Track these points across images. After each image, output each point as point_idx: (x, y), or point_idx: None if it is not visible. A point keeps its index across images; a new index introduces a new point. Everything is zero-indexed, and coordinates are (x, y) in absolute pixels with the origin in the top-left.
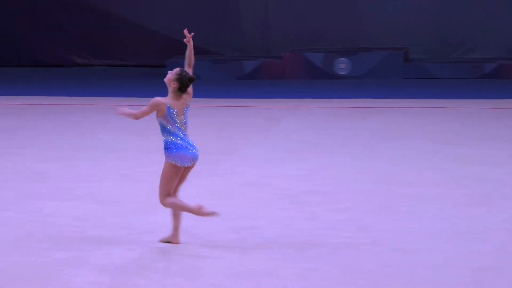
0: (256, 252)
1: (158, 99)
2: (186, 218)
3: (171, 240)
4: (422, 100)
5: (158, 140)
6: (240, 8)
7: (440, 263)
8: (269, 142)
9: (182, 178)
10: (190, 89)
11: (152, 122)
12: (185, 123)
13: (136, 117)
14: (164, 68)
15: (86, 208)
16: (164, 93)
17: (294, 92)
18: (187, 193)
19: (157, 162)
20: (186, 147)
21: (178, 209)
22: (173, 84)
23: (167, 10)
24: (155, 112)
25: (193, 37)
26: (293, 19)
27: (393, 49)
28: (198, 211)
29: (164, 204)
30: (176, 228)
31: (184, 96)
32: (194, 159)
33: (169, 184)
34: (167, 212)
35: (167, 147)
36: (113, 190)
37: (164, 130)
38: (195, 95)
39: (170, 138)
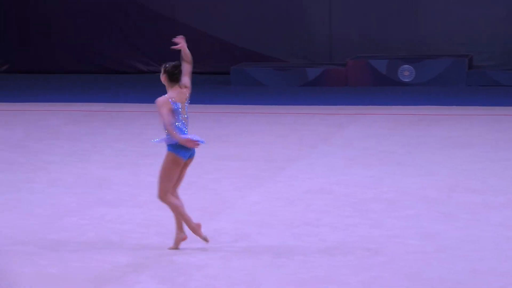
0: (319, 259)
1: (161, 99)
2: (251, 225)
3: (178, 242)
4: (486, 108)
5: (221, 148)
6: (304, 15)
7: (505, 272)
8: (333, 149)
9: (181, 175)
10: (188, 82)
11: (212, 130)
12: (187, 118)
13: (173, 132)
14: (228, 75)
15: (150, 215)
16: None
17: (358, 99)
18: (250, 199)
19: (220, 169)
20: None
21: (176, 213)
22: (163, 78)
23: (231, 18)
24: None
25: (257, 44)
26: (357, 26)
27: (458, 56)
28: (194, 228)
29: (164, 200)
30: (180, 227)
31: (184, 90)
32: (192, 154)
33: (170, 177)
34: (230, 220)
35: (172, 142)
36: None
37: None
38: (260, 101)
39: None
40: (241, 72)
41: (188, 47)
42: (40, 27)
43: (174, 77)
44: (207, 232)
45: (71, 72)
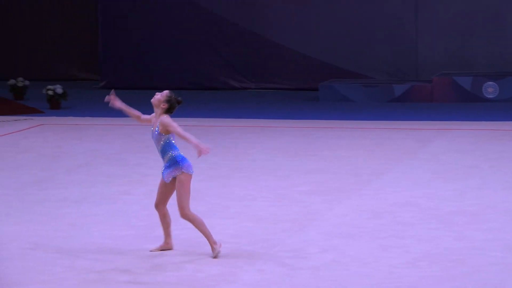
0: (404, 270)
1: (165, 117)
2: (338, 236)
3: (164, 247)
4: None
5: (309, 161)
6: (390, 34)
7: None
8: (418, 163)
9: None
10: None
11: (301, 144)
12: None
13: (189, 137)
14: (316, 92)
15: (241, 226)
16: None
17: (443, 115)
18: (338, 211)
19: (309, 182)
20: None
21: (199, 228)
22: (163, 105)
23: (319, 37)
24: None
25: (345, 62)
26: (442, 43)
27: None
28: (213, 244)
29: (187, 216)
30: (168, 235)
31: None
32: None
33: (189, 194)
34: (319, 231)
35: (181, 160)
36: (267, 208)
37: (171, 145)
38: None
39: (178, 151)
40: (329, 88)
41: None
42: (139, 47)
43: (173, 110)
44: (297, 243)
45: (167, 89)
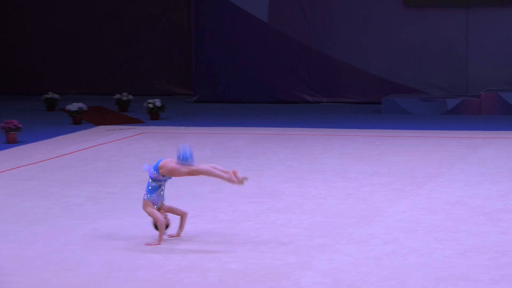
0: (456, 260)
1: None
2: (398, 230)
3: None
4: None
5: (373, 165)
6: (444, 54)
7: None
8: (468, 167)
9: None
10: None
11: (366, 150)
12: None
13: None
14: (379, 105)
15: (314, 221)
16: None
17: (490, 126)
18: (398, 209)
19: (373, 183)
20: None
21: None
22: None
23: (381, 56)
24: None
25: (405, 79)
26: (489, 63)
27: None
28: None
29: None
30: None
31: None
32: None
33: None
34: (381, 226)
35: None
36: (337, 206)
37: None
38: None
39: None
40: (390, 102)
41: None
42: (226, 65)
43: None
44: (362, 236)
45: (250, 102)
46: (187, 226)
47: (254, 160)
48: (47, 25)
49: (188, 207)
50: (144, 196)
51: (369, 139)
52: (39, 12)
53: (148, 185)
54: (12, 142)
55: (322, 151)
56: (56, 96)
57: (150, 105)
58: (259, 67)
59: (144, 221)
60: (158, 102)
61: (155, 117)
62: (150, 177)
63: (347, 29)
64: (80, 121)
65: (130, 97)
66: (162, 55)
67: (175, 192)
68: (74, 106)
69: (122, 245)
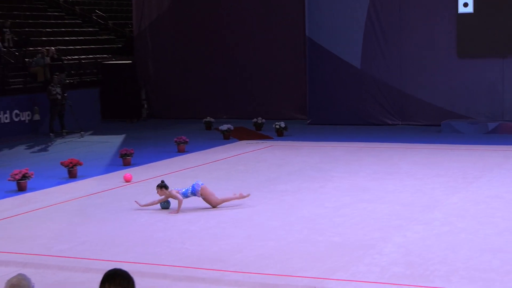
0: (494, 237)
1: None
2: (452, 216)
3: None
4: None
5: (434, 169)
6: (485, 89)
7: None
8: (504, 171)
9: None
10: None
11: (428, 159)
12: None
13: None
14: (439, 127)
15: (392, 208)
16: (433, 141)
17: None
18: (451, 200)
19: (434, 182)
20: None
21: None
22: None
23: (441, 91)
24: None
25: (459, 108)
26: None
27: None
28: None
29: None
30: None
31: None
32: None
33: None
34: (440, 212)
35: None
36: (409, 198)
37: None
38: (459, 143)
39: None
40: (448, 125)
41: (415, 108)
42: (333, 93)
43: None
44: (426, 219)
45: (347, 124)
46: (303, 211)
47: (349, 165)
48: (208, 65)
49: (304, 197)
50: (178, 194)
51: (432, 151)
52: (199, 54)
53: (186, 193)
54: (181, 151)
55: (399, 159)
56: (212, 119)
57: (277, 126)
58: (353, 98)
59: (270, 208)
60: (282, 124)
61: (280, 134)
62: (191, 192)
63: (416, 70)
64: (228, 137)
65: (263, 120)
66: (286, 90)
67: (296, 187)
68: (224, 127)
69: (258, 223)
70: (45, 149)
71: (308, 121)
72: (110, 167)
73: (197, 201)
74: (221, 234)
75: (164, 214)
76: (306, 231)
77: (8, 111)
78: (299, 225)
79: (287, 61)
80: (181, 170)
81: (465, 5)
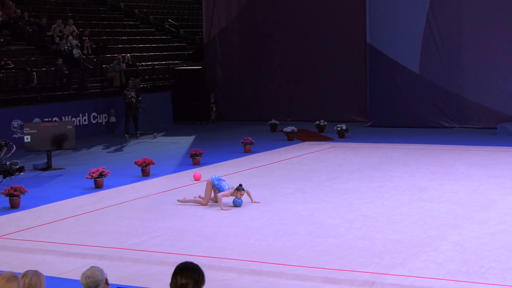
0: None
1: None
2: (507, 215)
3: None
4: None
5: (489, 170)
6: None
7: None
8: None
9: None
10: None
11: (484, 160)
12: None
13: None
14: (495, 129)
15: (449, 208)
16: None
17: None
18: (507, 200)
19: (490, 182)
20: None
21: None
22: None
23: (497, 95)
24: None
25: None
26: None
27: None
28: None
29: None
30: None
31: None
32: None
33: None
34: (495, 212)
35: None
36: (465, 197)
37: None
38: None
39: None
40: (503, 128)
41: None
42: (390, 100)
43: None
44: (482, 218)
45: (406, 127)
46: (362, 209)
47: (407, 165)
48: (273, 70)
49: (364, 196)
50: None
51: (488, 153)
52: (265, 60)
53: (222, 188)
54: (248, 152)
55: (455, 160)
56: (276, 121)
57: (339, 128)
58: (411, 102)
59: (331, 206)
60: (344, 126)
61: (342, 136)
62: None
63: (473, 74)
64: (292, 138)
65: (326, 123)
66: (347, 94)
67: (356, 186)
68: (288, 129)
69: (319, 221)
70: (120, 149)
71: (368, 124)
72: (181, 167)
73: (259, 198)
74: (284, 230)
75: (230, 211)
76: (365, 229)
77: (86, 114)
78: (358, 222)
79: (348, 67)
80: (247, 170)
81: None
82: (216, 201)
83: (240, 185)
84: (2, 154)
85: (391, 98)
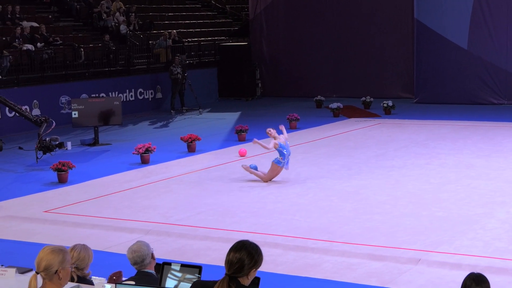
0: None
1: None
2: None
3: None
4: None
5: None
6: None
7: None
8: None
9: None
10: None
11: None
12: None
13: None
14: None
15: (496, 185)
16: None
17: None
18: None
19: None
20: None
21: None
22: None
23: None
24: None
25: None
26: None
27: None
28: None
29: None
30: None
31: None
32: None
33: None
34: None
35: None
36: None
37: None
38: None
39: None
40: None
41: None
42: (438, 76)
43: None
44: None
45: (453, 103)
46: (409, 186)
47: (455, 143)
48: (319, 47)
49: (410, 173)
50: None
51: None
52: (310, 36)
53: (279, 162)
54: (293, 128)
55: (503, 138)
56: (322, 98)
57: (385, 105)
58: (459, 78)
59: (376, 183)
60: (390, 102)
61: (388, 112)
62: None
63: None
64: (338, 115)
65: (372, 99)
66: (393, 70)
67: (402, 163)
68: (334, 105)
69: (365, 197)
70: (166, 125)
71: (415, 100)
72: (226, 142)
73: (304, 175)
74: (329, 207)
75: (275, 187)
76: (411, 206)
77: (133, 90)
78: (404, 199)
79: (395, 42)
80: (293, 146)
81: None
82: (273, 177)
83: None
84: (42, 130)
85: (438, 74)
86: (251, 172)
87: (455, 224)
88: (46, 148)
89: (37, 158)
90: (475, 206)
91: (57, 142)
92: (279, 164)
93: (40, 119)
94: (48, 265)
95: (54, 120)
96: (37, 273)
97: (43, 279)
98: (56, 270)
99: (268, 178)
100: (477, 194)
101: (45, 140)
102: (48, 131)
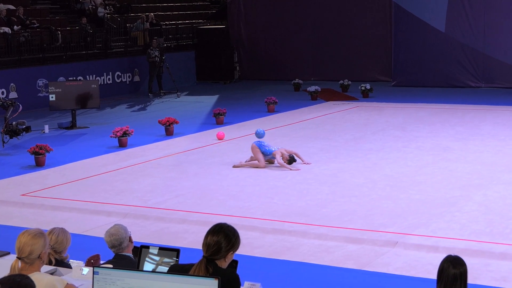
0: None
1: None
2: None
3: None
4: None
5: None
6: None
7: None
8: None
9: None
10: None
11: None
12: None
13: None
14: None
15: (474, 168)
16: None
17: None
18: None
19: None
20: None
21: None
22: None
23: None
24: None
25: None
26: None
27: None
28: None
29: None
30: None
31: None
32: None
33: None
34: None
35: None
36: (490, 158)
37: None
38: None
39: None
40: None
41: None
42: (415, 60)
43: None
44: (507, 178)
45: (431, 86)
46: (386, 169)
47: (432, 126)
48: (297, 30)
49: (387, 156)
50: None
51: None
52: (288, 19)
53: (267, 152)
54: (271, 111)
55: (480, 120)
56: (300, 81)
57: (363, 88)
58: (437, 61)
59: (354, 166)
60: (368, 86)
61: (366, 96)
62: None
63: (499, 33)
64: (316, 98)
65: (349, 82)
66: (371, 53)
67: (380, 146)
68: (312, 88)
69: (343, 180)
70: (144, 108)
71: (393, 83)
72: (204, 126)
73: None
74: (307, 190)
75: (254, 170)
76: (389, 189)
77: (110, 73)
78: (382, 182)
79: (373, 25)
80: (271, 129)
81: None
82: (272, 162)
83: (292, 157)
84: (8, 114)
85: (416, 57)
86: (245, 165)
87: (432, 207)
88: (12, 132)
89: (3, 142)
90: (452, 188)
91: (24, 126)
92: (260, 147)
93: (6, 103)
94: (32, 250)
95: (21, 104)
96: (19, 258)
97: (25, 263)
98: (40, 254)
99: (262, 161)
100: (454, 177)
101: (11, 124)
102: (15, 115)
